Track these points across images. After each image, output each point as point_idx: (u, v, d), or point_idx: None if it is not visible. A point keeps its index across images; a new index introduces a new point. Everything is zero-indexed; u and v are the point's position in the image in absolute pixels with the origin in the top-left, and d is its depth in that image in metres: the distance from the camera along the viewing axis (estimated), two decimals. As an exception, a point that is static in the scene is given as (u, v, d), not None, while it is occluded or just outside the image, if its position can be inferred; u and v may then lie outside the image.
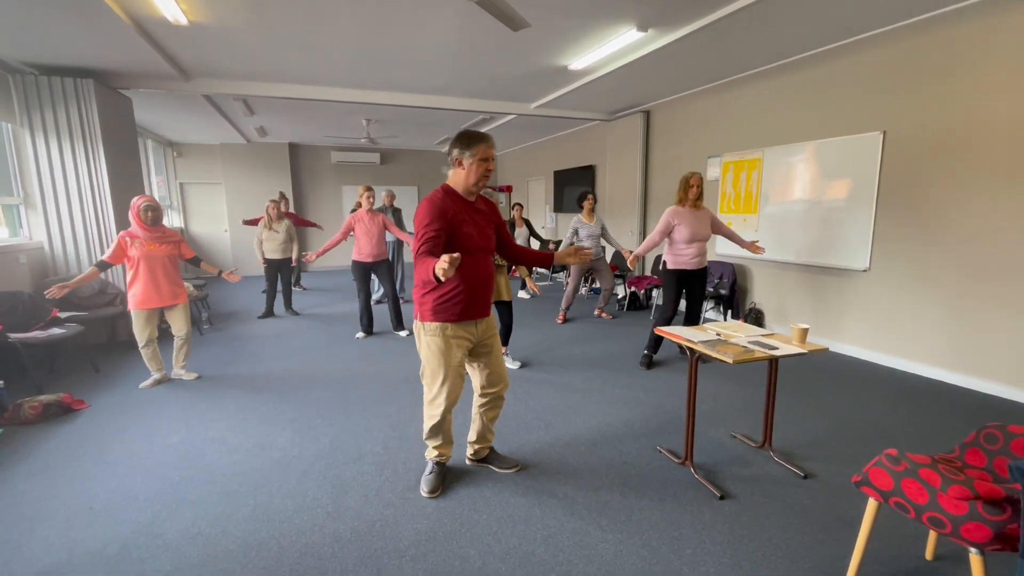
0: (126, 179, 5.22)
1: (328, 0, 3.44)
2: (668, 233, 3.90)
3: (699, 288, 4.03)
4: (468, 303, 2.17)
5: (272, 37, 4.13)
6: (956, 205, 3.65)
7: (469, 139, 2.10)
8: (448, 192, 2.14)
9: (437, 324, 2.16)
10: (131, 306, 3.58)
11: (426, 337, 2.19)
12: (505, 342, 4.16)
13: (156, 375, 3.78)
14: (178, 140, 9.36)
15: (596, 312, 6.02)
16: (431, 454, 2.41)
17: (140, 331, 3.63)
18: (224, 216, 9.87)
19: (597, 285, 7.55)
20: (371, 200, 4.96)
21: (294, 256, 6.16)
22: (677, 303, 3.98)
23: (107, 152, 4.80)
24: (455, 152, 2.12)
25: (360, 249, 4.96)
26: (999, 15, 3.33)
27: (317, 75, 5.26)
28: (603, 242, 5.63)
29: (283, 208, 6.17)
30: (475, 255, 2.15)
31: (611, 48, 4.36)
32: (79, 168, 4.72)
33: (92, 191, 4.79)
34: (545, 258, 2.41)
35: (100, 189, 4.82)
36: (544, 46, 4.39)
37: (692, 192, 3.85)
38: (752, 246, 3.84)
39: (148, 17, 3.67)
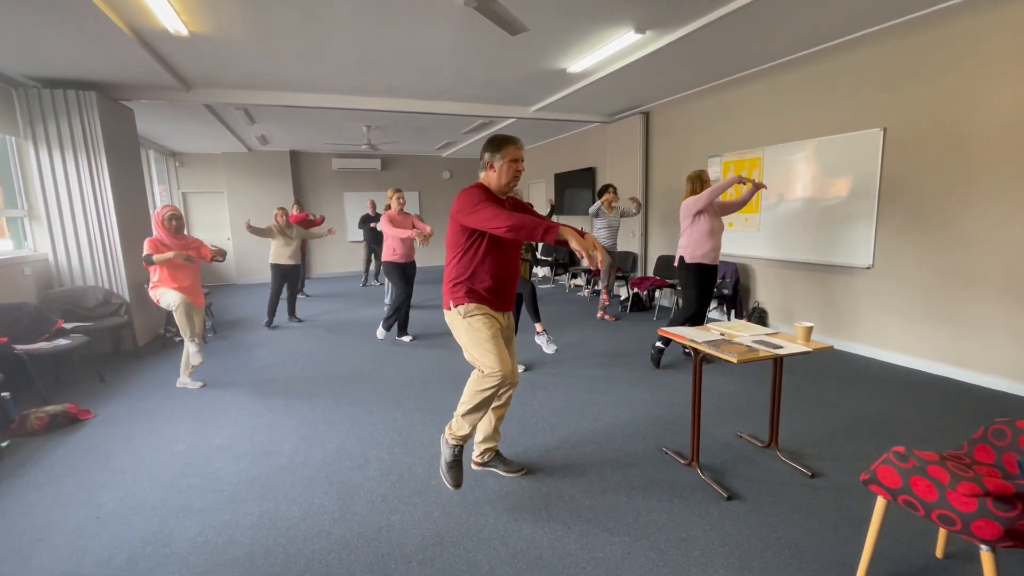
0: (129, 190, 5.26)
1: (327, 8, 3.46)
2: (700, 212, 3.81)
3: (712, 285, 3.99)
4: (496, 297, 2.26)
5: (272, 46, 4.16)
6: (959, 200, 3.64)
7: (499, 143, 2.21)
8: (485, 187, 2.24)
9: (474, 304, 2.22)
10: (157, 297, 3.72)
11: (466, 318, 2.21)
12: (538, 317, 4.28)
13: (193, 346, 3.78)
14: (180, 150, 9.42)
15: (599, 315, 6.02)
16: (462, 431, 2.22)
17: (173, 299, 3.66)
18: (227, 225, 9.90)
19: (599, 288, 7.55)
20: (401, 202, 5.09)
21: (319, 232, 6.31)
22: (699, 300, 3.89)
23: (110, 163, 4.83)
24: (486, 156, 2.23)
25: (394, 250, 5.10)
26: (998, 10, 3.32)
27: (317, 83, 5.29)
28: (613, 239, 5.82)
29: (295, 212, 6.28)
30: (505, 252, 2.25)
31: (609, 50, 4.38)
32: (83, 180, 4.76)
33: (96, 202, 4.82)
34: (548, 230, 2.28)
35: (104, 200, 4.85)
36: (542, 50, 4.41)
37: (708, 187, 3.87)
38: (754, 186, 3.84)
39: (149, 29, 3.70)
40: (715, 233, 3.85)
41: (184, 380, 3.91)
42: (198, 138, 8.28)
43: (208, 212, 9.95)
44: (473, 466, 2.58)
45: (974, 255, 3.58)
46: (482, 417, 2.29)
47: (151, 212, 6.41)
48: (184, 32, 3.71)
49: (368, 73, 4.97)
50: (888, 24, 3.91)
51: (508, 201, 2.32)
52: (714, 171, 5.74)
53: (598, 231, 5.69)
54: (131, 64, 4.37)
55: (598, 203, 5.74)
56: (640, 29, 3.97)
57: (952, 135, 3.63)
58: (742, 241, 5.47)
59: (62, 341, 3.89)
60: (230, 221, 9.83)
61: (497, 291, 2.25)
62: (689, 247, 3.88)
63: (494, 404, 2.42)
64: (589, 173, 8.25)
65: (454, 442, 2.29)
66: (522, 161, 2.24)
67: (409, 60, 4.60)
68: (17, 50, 3.93)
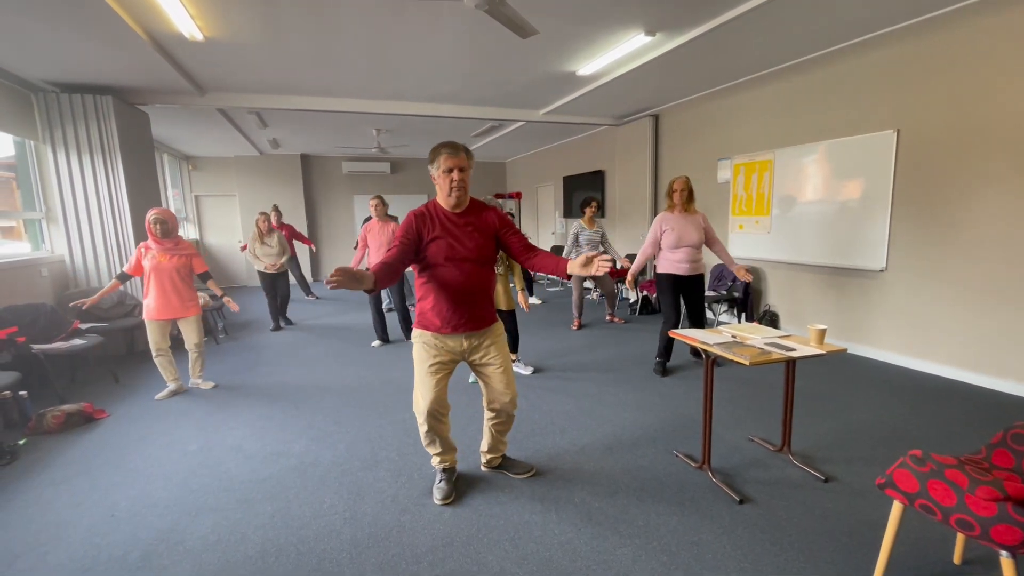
0: (144, 193, 5.34)
1: (339, 13, 3.50)
2: (658, 238, 3.88)
3: (696, 295, 3.92)
4: (447, 316, 2.15)
5: (284, 51, 4.21)
6: (974, 202, 3.59)
7: (433, 153, 2.12)
8: (430, 206, 2.18)
9: (418, 331, 2.23)
10: (145, 316, 3.68)
11: (414, 343, 2.25)
12: (514, 349, 4.14)
13: (172, 386, 3.82)
14: (193, 153, 9.54)
15: (607, 318, 6.01)
16: (433, 461, 2.41)
17: (152, 340, 3.71)
18: (238, 228, 10.02)
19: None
20: (378, 210, 5.07)
21: (280, 262, 6.04)
22: (677, 307, 3.89)
23: (125, 166, 4.91)
24: (429, 170, 2.18)
25: (371, 259, 5.09)
26: (1011, 10, 3.28)
27: (329, 87, 5.34)
28: (602, 248, 5.69)
29: (274, 221, 6.09)
30: (457, 266, 2.13)
31: (619, 53, 4.38)
32: (99, 182, 4.84)
33: (111, 205, 4.90)
34: (559, 269, 2.11)
35: (119, 203, 4.93)
36: (552, 53, 4.42)
37: (676, 196, 3.83)
38: (738, 271, 3.66)
39: (165, 34, 3.76)
40: (682, 245, 3.81)
41: (196, 381, 3.95)
42: (211, 142, 8.38)
43: (220, 215, 10.07)
44: (482, 468, 2.58)
45: (990, 257, 3.53)
46: (440, 446, 2.32)
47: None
48: (199, 37, 3.77)
49: (379, 77, 5.01)
50: (900, 25, 3.87)
51: (473, 210, 2.17)
52: (724, 174, 5.72)
53: (582, 248, 5.52)
54: (147, 69, 4.44)
55: (577, 223, 5.55)
56: (650, 32, 3.97)
57: (966, 136, 3.58)
58: (753, 243, 5.43)
59: (78, 341, 3.95)
60: (241, 224, 9.94)
61: (446, 310, 2.13)
62: (661, 259, 3.92)
63: (493, 422, 2.39)
64: (598, 176, 8.25)
65: (434, 466, 2.41)
66: (460, 169, 2.07)
67: (419, 64, 4.64)
68: (37, 56, 4.01)
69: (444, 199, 2.15)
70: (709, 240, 3.90)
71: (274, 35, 3.87)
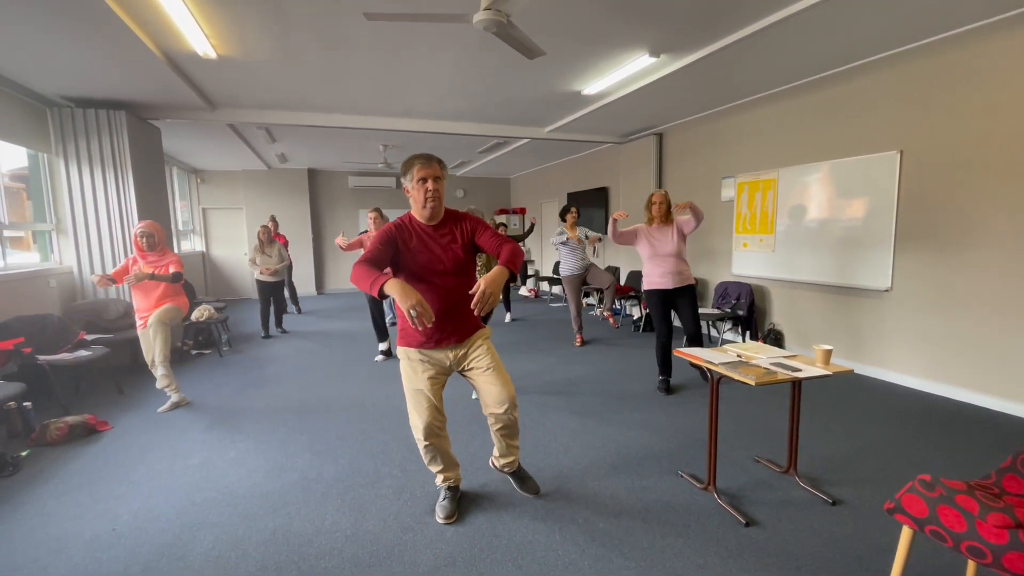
0: (153, 205, 5.40)
1: (349, 32, 3.57)
2: (631, 241, 3.92)
3: (687, 306, 3.88)
4: (430, 331, 2.12)
5: (295, 69, 4.29)
6: (979, 221, 3.59)
7: (407, 163, 2.10)
8: (406, 219, 2.18)
9: (403, 348, 2.21)
10: (137, 328, 3.74)
11: (400, 360, 2.24)
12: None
13: (174, 397, 3.82)
14: (202, 167, 9.66)
15: (603, 315, 5.92)
16: (437, 479, 2.39)
17: (144, 351, 3.76)
18: (244, 240, 10.09)
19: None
20: (376, 223, 5.11)
21: (276, 268, 6.25)
22: (667, 322, 3.90)
23: (136, 180, 4.98)
24: (402, 181, 2.16)
25: None
26: (1015, 32, 3.33)
27: (338, 103, 5.43)
28: (590, 250, 5.77)
29: (262, 235, 6.17)
30: (434, 281, 2.12)
31: (624, 73, 4.45)
32: (109, 195, 4.90)
33: (121, 217, 4.96)
34: (500, 260, 2.05)
35: (128, 215, 4.98)
36: (558, 72, 4.49)
37: (655, 209, 3.90)
38: (683, 206, 3.68)
39: (180, 52, 3.84)
40: (658, 258, 3.84)
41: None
42: (220, 156, 8.50)
43: (227, 228, 10.15)
44: (491, 464, 2.59)
45: (996, 277, 3.52)
46: (442, 463, 2.30)
47: (172, 228, 6.56)
48: (213, 55, 3.85)
49: (387, 95, 5.10)
50: (905, 48, 3.92)
51: (448, 223, 2.17)
52: (728, 192, 5.75)
53: (565, 256, 5.59)
54: (161, 86, 4.53)
55: (560, 228, 5.65)
56: (655, 53, 4.03)
57: (971, 156, 3.60)
58: (757, 262, 5.43)
59: (83, 352, 3.96)
60: (247, 237, 10.00)
61: (435, 326, 2.11)
62: (645, 275, 3.96)
63: (496, 428, 2.32)
64: (602, 192, 8.31)
65: (438, 484, 2.39)
66: (434, 179, 2.06)
67: (427, 82, 4.71)
68: (54, 72, 4.10)
69: (419, 211, 2.15)
70: (685, 226, 3.83)
71: (285, 53, 3.95)
